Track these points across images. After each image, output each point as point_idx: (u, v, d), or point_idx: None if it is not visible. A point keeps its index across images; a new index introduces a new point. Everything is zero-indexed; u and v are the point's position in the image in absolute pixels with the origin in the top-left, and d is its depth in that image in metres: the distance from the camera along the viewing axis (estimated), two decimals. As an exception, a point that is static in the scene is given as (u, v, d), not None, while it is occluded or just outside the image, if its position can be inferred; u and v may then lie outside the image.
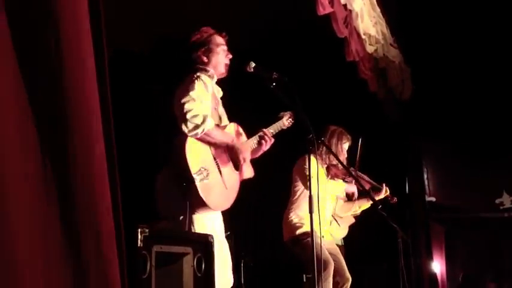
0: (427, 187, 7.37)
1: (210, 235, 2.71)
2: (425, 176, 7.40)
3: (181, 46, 3.37)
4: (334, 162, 4.44)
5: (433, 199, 7.31)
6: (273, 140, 3.44)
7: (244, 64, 3.34)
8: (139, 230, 2.14)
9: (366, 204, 4.94)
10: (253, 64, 3.35)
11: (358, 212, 5.11)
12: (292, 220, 4.47)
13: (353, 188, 4.74)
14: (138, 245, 2.12)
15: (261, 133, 3.42)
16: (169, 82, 3.31)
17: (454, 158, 7.21)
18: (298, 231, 4.39)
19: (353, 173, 4.52)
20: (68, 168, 1.75)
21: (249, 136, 3.40)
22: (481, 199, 7.06)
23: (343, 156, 4.60)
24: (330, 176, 4.56)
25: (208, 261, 2.58)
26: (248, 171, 3.34)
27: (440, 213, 7.19)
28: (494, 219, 6.90)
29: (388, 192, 4.87)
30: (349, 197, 5.03)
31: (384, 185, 4.85)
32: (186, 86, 3.03)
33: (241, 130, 3.38)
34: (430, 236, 7.06)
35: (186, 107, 2.92)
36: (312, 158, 4.39)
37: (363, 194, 4.79)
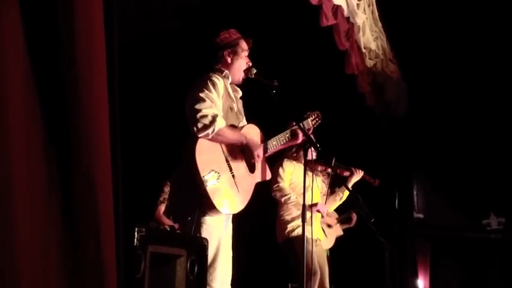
0: (415, 203, 7.39)
1: (205, 238, 2.70)
2: (414, 193, 7.43)
3: (206, 42, 3.39)
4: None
5: (421, 216, 7.34)
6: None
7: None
8: (136, 229, 2.14)
9: (346, 191, 5.01)
10: (254, 70, 3.36)
11: (343, 200, 5.15)
12: (285, 220, 4.50)
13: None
14: (135, 244, 2.12)
15: (295, 127, 3.39)
16: (182, 82, 3.32)
17: (443, 176, 7.24)
18: (293, 233, 4.43)
19: (332, 163, 4.71)
20: (72, 167, 1.74)
21: (266, 138, 3.37)
22: (468, 219, 7.10)
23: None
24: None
25: (201, 265, 2.57)
26: (265, 174, 3.33)
27: (427, 231, 7.22)
28: (480, 240, 6.93)
29: (365, 176, 5.04)
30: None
31: (360, 170, 4.99)
32: (196, 87, 3.04)
33: (259, 130, 3.37)
34: (415, 252, 7.09)
35: (195, 107, 2.93)
36: (287, 162, 4.49)
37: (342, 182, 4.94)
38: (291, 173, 4.56)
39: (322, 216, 4.75)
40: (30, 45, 1.64)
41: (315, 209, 4.46)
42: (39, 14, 1.67)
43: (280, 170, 4.51)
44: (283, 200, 4.49)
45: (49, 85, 1.69)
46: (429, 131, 7.20)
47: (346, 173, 4.91)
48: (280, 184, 4.49)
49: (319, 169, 4.79)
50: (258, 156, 3.19)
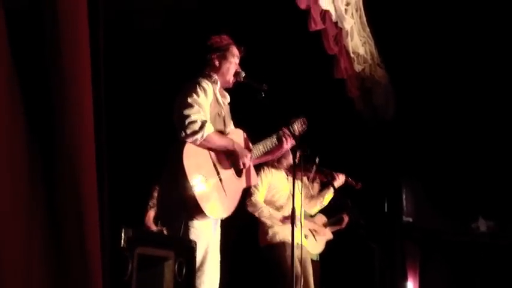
0: (404, 207, 7.41)
1: (193, 241, 2.70)
2: (403, 197, 7.44)
3: (197, 46, 3.40)
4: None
5: (410, 219, 7.36)
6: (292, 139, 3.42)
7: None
8: (123, 230, 2.12)
9: (329, 194, 4.96)
10: (243, 74, 3.37)
11: (325, 203, 5.08)
12: (265, 225, 4.48)
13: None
14: (121, 246, 2.11)
15: (280, 132, 3.41)
16: (172, 82, 3.32)
17: (432, 180, 7.27)
18: (274, 239, 4.40)
19: (314, 167, 4.69)
20: (56, 168, 1.73)
21: (253, 142, 3.38)
22: (457, 222, 7.13)
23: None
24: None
25: (189, 267, 2.57)
26: (250, 179, 3.33)
27: (416, 234, 7.23)
28: (469, 243, 6.96)
29: (347, 179, 5.00)
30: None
31: (341, 175, 4.95)
32: (185, 92, 3.05)
33: (245, 136, 3.37)
34: (405, 256, 7.10)
35: (184, 113, 2.94)
36: (266, 170, 4.49)
37: (324, 186, 4.91)
38: (269, 182, 4.53)
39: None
40: (14, 44, 1.63)
41: None
42: (23, 14, 1.67)
43: (258, 180, 4.44)
44: (256, 214, 4.46)
45: (34, 84, 1.68)
46: (418, 135, 7.23)
47: (324, 179, 4.87)
48: (252, 199, 4.43)
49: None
50: (244, 164, 3.19)
